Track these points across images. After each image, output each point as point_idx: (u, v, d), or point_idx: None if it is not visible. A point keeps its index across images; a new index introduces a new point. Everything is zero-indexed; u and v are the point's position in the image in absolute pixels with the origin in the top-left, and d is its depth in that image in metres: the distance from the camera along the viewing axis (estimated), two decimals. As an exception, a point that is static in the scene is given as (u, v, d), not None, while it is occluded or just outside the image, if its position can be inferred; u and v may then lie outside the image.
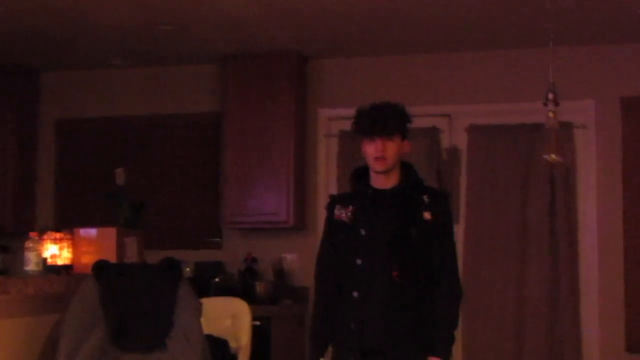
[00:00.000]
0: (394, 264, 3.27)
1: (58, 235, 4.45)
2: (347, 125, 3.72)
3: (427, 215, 3.31)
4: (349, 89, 6.11)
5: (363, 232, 3.33)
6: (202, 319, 4.03)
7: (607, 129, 5.77)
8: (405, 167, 3.42)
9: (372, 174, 3.39)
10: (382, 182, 3.37)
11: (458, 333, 3.36)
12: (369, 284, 3.29)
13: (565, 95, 4.38)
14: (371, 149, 3.32)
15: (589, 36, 5.66)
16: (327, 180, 6.17)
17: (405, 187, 3.37)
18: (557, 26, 4.66)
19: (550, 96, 3.99)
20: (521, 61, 5.89)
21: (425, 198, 3.34)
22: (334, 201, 3.49)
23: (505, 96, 5.92)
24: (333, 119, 6.15)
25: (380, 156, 3.30)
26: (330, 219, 3.45)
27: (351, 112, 3.45)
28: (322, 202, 5.97)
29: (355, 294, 3.30)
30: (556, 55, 4.27)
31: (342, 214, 3.40)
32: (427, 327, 3.28)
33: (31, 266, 4.10)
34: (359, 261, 3.31)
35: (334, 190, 5.94)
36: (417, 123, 3.50)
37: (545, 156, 4.03)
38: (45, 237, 4.39)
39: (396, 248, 3.29)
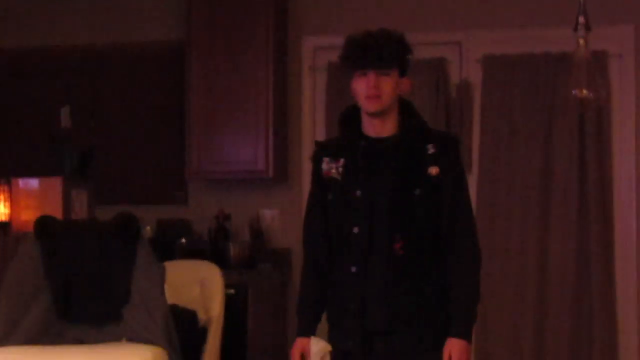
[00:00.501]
0: (396, 232, 3.25)
1: (-8, 187, 4.45)
2: (338, 57, 3.69)
3: (433, 171, 3.27)
4: (340, 12, 6.07)
5: (358, 193, 3.29)
6: (166, 287, 4.06)
7: (648, 60, 5.78)
8: (405, 109, 3.37)
9: (365, 118, 3.33)
10: (377, 128, 3.32)
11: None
12: (367, 256, 3.27)
13: (599, 19, 4.36)
14: (362, 85, 3.25)
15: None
16: (313, 122, 6.16)
17: (406, 136, 3.32)
18: None
19: (581, 20, 3.99)
20: (546, -22, 5.87)
21: (430, 148, 3.29)
22: (320, 151, 3.43)
23: (526, 20, 5.89)
24: (320, 48, 6.11)
25: (374, 94, 3.24)
26: (317, 175, 3.41)
27: (342, 40, 3.36)
28: (307, 148, 5.97)
29: (353, 268, 3.28)
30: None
31: (332, 169, 3.35)
32: (441, 302, 3.27)
33: (-40, 224, 4.12)
34: (355, 229, 3.28)
35: (321, 135, 5.94)
36: (422, 53, 3.50)
37: (574, 92, 4.04)
38: (-24, 189, 4.40)
39: (398, 213, 3.26)
